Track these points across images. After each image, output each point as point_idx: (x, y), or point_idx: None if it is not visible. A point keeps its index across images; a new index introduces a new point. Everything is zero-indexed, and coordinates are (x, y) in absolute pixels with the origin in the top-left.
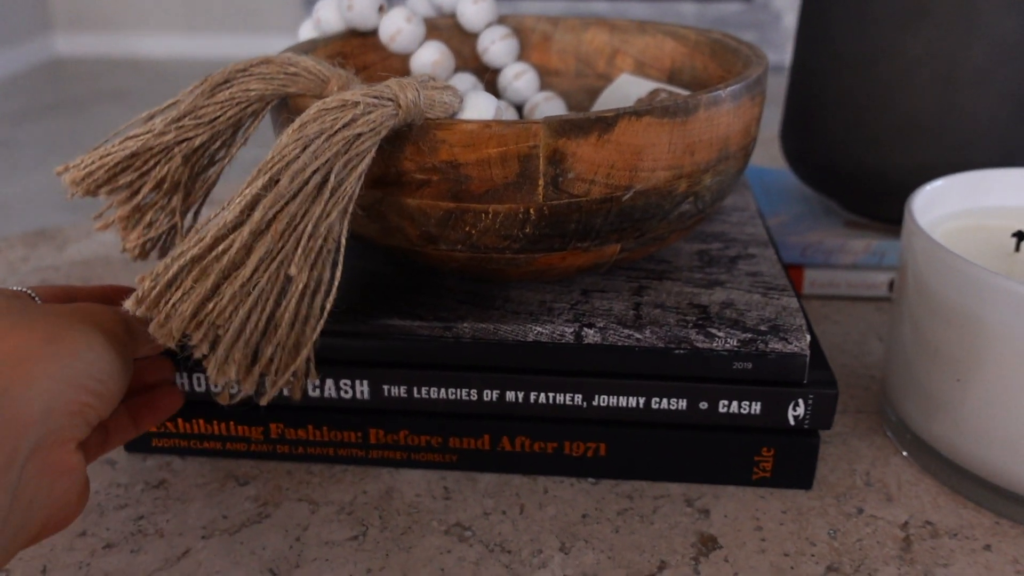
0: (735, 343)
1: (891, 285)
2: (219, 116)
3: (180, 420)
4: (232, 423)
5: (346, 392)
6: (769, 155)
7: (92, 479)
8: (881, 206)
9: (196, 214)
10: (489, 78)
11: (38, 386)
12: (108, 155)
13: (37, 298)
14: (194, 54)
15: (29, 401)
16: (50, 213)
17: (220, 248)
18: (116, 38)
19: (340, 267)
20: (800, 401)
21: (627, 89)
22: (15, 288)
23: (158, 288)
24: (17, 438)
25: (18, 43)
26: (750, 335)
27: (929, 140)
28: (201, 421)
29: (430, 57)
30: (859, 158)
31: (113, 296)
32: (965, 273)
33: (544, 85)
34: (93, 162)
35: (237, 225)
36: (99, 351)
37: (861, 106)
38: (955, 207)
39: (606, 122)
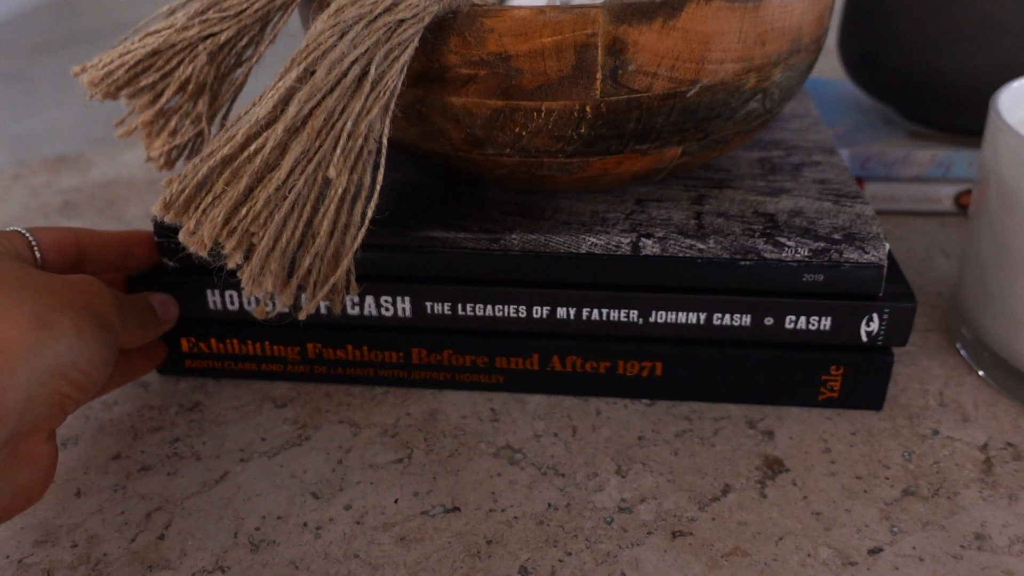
0: (807, 253)
1: (957, 199)
2: (245, 9)
3: (213, 340)
4: (268, 343)
5: (387, 310)
6: (821, 65)
7: (125, 402)
8: (952, 114)
9: (224, 119)
10: None
11: (20, 376)
12: (128, 53)
13: (36, 247)
14: None
15: (10, 390)
16: (72, 145)
17: (252, 148)
18: None
19: (382, 171)
20: (875, 316)
21: None
22: (12, 229)
23: (187, 191)
24: None
25: None
26: (823, 244)
27: (1009, 41)
28: (235, 341)
29: None
30: (930, 62)
31: (131, 244)
32: None
33: None
34: (112, 61)
35: (270, 122)
36: (87, 340)
37: (933, 4)
38: None
39: (672, 6)
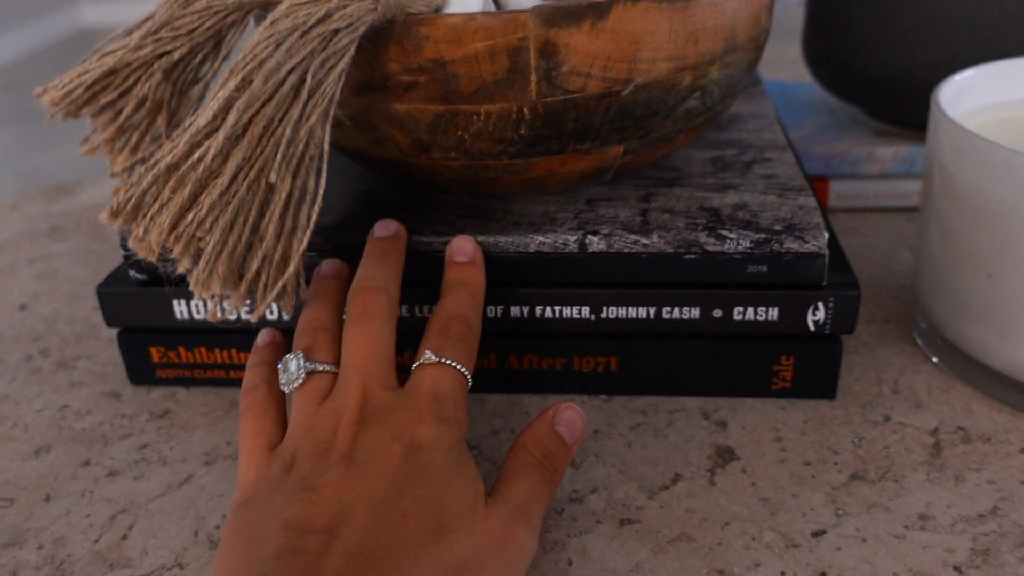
0: (748, 244)
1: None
2: (197, 27)
3: (182, 349)
4: (234, 350)
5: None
6: (794, 73)
7: (97, 411)
8: (909, 110)
9: None
10: None
11: None
12: (86, 72)
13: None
14: None
15: None
16: (73, 178)
17: (196, 155)
18: (142, 8)
19: (324, 176)
20: (820, 305)
21: None
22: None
23: (134, 199)
24: None
25: (45, 16)
26: (764, 235)
27: (959, 35)
28: (203, 349)
29: None
30: (885, 57)
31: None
32: (995, 157)
33: None
34: (71, 81)
35: (212, 131)
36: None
37: (886, 2)
38: (985, 99)
39: (600, 8)
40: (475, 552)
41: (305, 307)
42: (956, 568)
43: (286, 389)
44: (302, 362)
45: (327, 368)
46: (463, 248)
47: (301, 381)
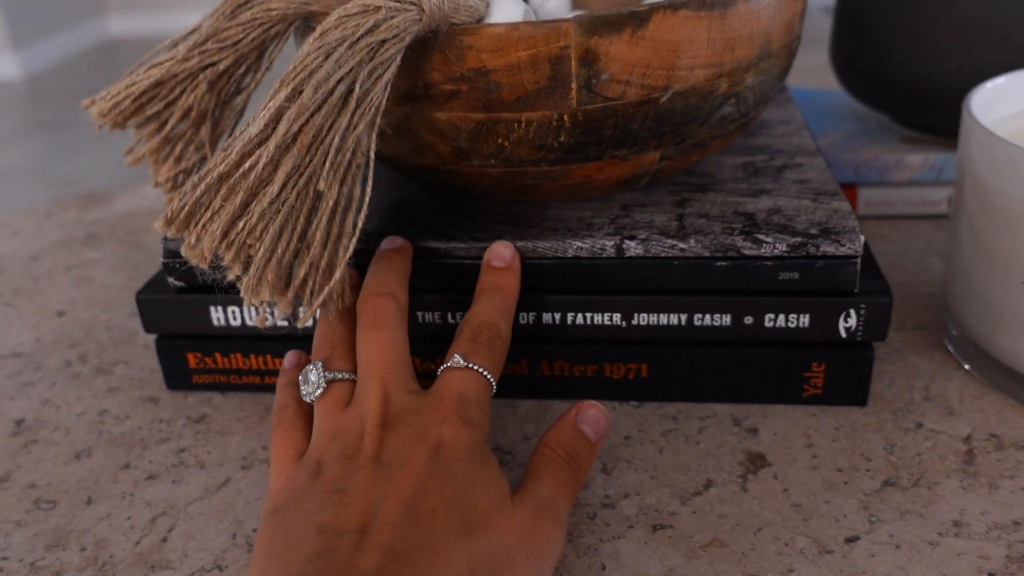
0: (784, 248)
1: (951, 200)
2: (242, 39)
3: (219, 355)
4: (270, 356)
5: None
6: (820, 80)
7: (136, 416)
8: (938, 117)
9: None
10: None
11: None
12: (133, 84)
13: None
14: None
15: None
16: (105, 186)
17: (247, 164)
18: (169, 18)
19: (370, 183)
20: (852, 311)
21: None
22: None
23: (187, 208)
24: None
25: (73, 26)
26: (800, 239)
27: (990, 41)
28: (239, 356)
29: None
30: (914, 65)
31: None
32: None
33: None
34: (119, 92)
35: (263, 140)
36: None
37: (914, 9)
38: (1017, 107)
39: (639, 17)
40: (504, 547)
41: (320, 320)
42: (991, 575)
43: (308, 399)
44: (321, 372)
45: (346, 376)
46: (501, 254)
47: (322, 390)
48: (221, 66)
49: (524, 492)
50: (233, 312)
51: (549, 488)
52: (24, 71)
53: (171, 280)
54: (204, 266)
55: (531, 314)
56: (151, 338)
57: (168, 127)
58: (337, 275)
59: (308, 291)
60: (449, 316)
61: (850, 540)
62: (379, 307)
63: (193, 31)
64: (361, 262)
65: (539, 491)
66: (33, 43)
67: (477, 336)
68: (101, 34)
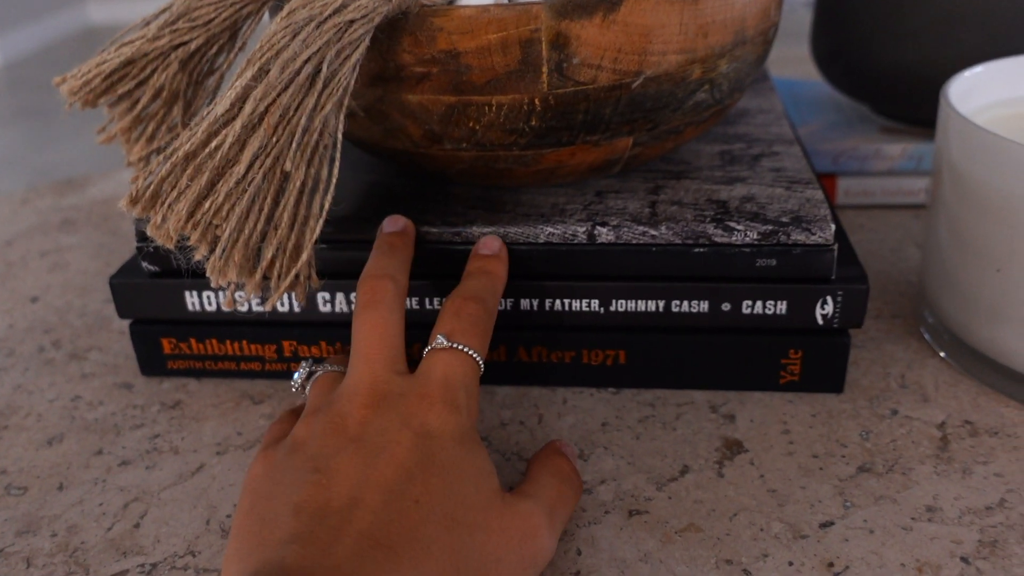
0: (755, 236)
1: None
2: (214, 18)
3: (193, 341)
4: (245, 342)
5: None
6: (802, 72)
7: (109, 402)
8: (917, 107)
9: None
10: None
11: None
12: (104, 62)
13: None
14: None
15: None
16: (83, 173)
17: (213, 144)
18: (148, 5)
19: (337, 164)
20: (828, 298)
21: None
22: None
23: (152, 187)
24: None
25: (52, 13)
26: (771, 227)
27: (967, 33)
28: (214, 341)
29: None
30: (893, 55)
31: None
32: (1005, 153)
33: None
34: (90, 70)
35: (229, 120)
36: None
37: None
38: (994, 96)
39: (611, 1)
40: (491, 546)
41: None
42: (963, 559)
43: (293, 388)
44: (311, 364)
45: (338, 369)
46: (490, 244)
47: (312, 378)
48: (192, 45)
49: (523, 493)
50: (208, 297)
51: (551, 496)
52: (3, 58)
53: (145, 264)
54: (170, 246)
55: (509, 300)
56: (126, 324)
57: (140, 106)
58: (304, 256)
59: (275, 273)
60: (427, 302)
61: (825, 525)
62: (376, 288)
63: (164, 10)
64: (324, 250)
65: (540, 496)
66: (13, 30)
67: (460, 312)
68: (81, 21)
